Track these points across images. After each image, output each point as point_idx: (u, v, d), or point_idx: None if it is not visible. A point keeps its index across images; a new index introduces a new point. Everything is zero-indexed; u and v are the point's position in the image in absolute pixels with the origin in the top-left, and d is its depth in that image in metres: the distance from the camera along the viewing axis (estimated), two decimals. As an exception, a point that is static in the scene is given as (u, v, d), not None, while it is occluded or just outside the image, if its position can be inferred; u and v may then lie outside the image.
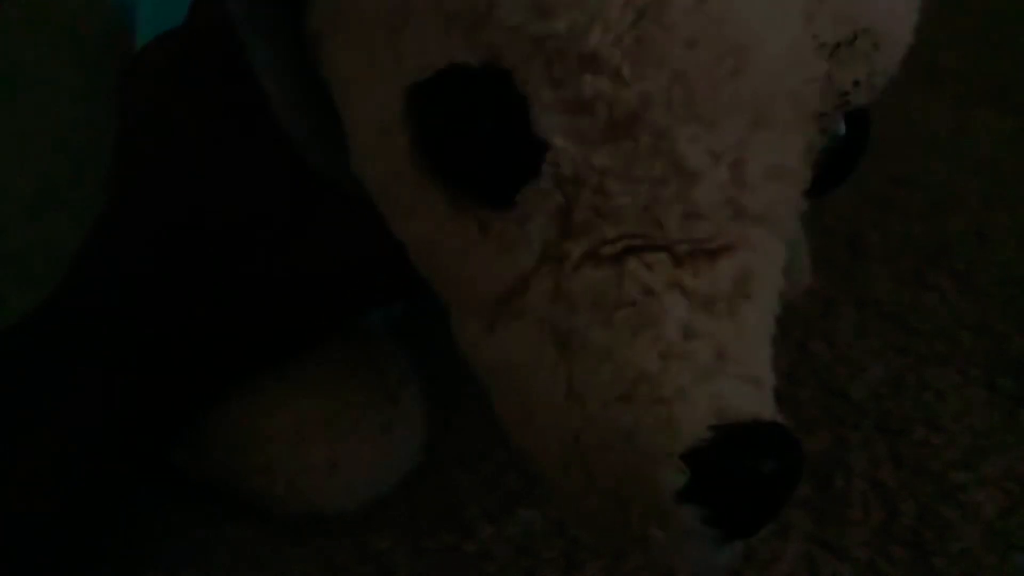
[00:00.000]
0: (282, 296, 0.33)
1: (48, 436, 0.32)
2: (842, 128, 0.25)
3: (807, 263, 0.44)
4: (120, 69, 0.36)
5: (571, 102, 0.22)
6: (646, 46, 0.21)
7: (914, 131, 0.57)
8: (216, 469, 0.36)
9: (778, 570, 0.35)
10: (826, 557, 0.35)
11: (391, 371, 0.37)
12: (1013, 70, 0.62)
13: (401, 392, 0.36)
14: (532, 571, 0.35)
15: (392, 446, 0.36)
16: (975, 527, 0.36)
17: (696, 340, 0.22)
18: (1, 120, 0.61)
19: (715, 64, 0.22)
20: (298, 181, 0.31)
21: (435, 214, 0.25)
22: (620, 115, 0.22)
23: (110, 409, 0.32)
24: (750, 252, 0.24)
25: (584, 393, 0.23)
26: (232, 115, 0.31)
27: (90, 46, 0.67)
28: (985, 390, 0.41)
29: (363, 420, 0.35)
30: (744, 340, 0.23)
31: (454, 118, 0.23)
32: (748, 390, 0.23)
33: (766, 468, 0.22)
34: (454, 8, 0.22)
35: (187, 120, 0.32)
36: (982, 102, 0.59)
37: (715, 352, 0.23)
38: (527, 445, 0.25)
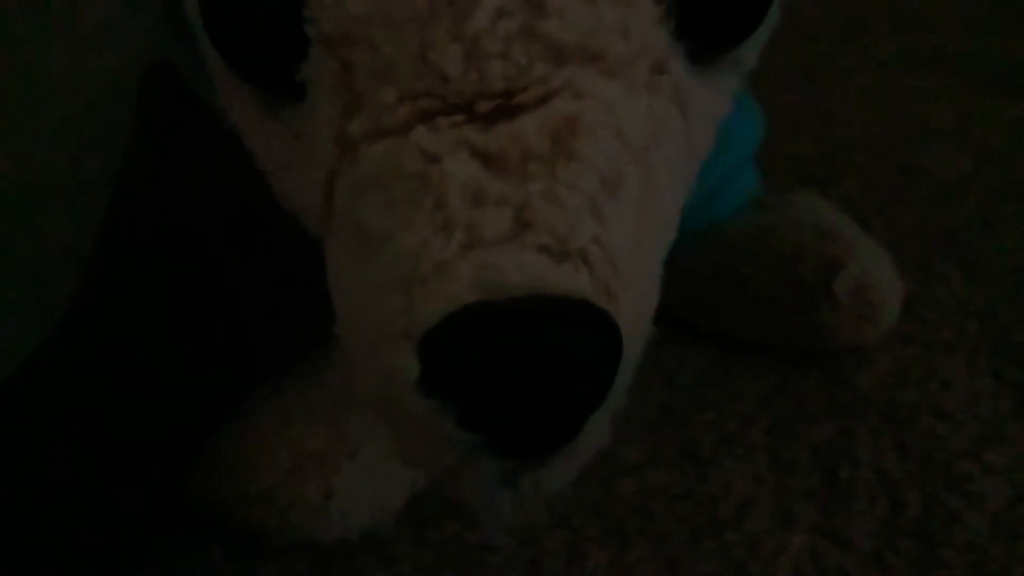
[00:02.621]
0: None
1: (61, 481, 0.32)
2: None
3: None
4: (143, 73, 0.35)
5: None
6: None
7: (920, 119, 0.56)
8: (213, 498, 0.35)
9: (783, 562, 0.34)
10: (831, 548, 0.35)
11: None
12: (1019, 55, 0.62)
13: None
14: (535, 562, 0.35)
15: (389, 477, 0.35)
16: (981, 517, 0.36)
17: (485, 207, 0.19)
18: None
19: None
20: None
21: (250, 117, 0.23)
22: None
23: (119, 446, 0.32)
24: (575, 101, 0.20)
25: (373, 287, 0.20)
26: None
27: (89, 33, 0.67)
28: (992, 379, 0.41)
29: (359, 451, 0.34)
30: (560, 206, 0.19)
31: (216, 1, 0.21)
32: (544, 261, 0.18)
33: (521, 349, 0.18)
34: None
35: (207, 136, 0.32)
36: (988, 88, 0.59)
37: (512, 219, 0.19)
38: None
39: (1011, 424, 0.39)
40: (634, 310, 0.19)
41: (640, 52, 0.20)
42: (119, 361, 0.33)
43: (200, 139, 0.30)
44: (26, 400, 0.33)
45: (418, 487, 0.35)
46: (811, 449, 0.38)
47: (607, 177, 0.20)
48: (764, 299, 0.40)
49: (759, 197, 0.43)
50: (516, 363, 0.18)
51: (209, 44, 0.22)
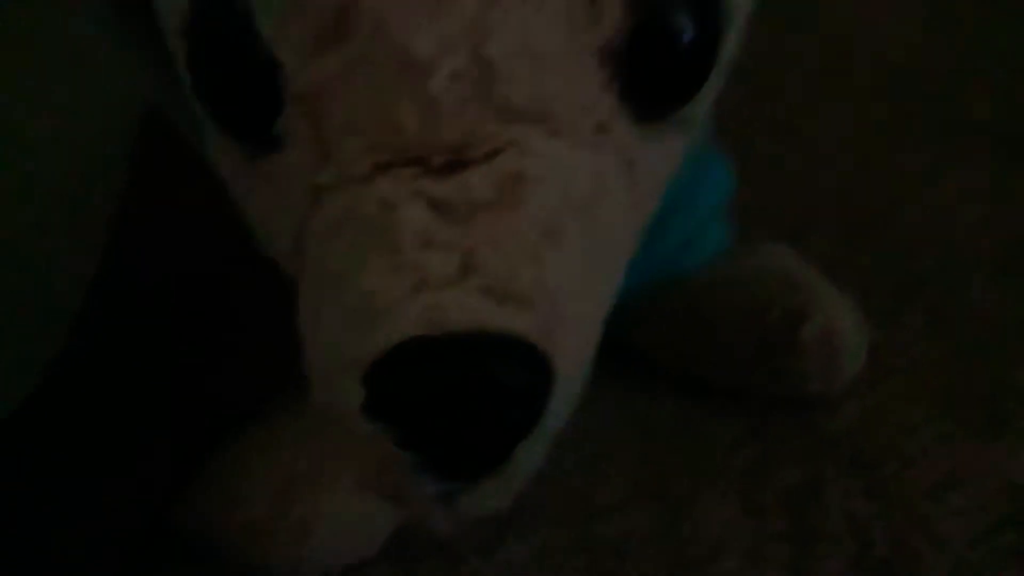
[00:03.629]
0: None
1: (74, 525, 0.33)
2: (675, 18, 0.22)
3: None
4: (139, 120, 0.37)
5: (284, 7, 0.21)
6: None
7: (887, 174, 0.58)
8: (201, 528, 0.36)
9: (755, 600, 0.36)
10: (802, 587, 0.36)
11: None
12: (982, 117, 0.64)
13: None
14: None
15: (372, 509, 0.35)
16: (945, 557, 0.37)
17: (435, 251, 0.20)
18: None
19: None
20: None
21: (233, 166, 0.24)
22: (332, 11, 0.20)
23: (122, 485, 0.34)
24: (522, 157, 0.21)
25: (331, 322, 0.21)
26: None
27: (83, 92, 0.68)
28: (954, 425, 0.42)
29: (341, 482, 0.34)
30: (503, 252, 0.21)
31: (198, 54, 0.23)
32: (486, 302, 0.20)
33: (455, 378, 0.20)
34: None
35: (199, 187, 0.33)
36: (953, 145, 0.61)
37: (459, 263, 0.20)
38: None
39: (973, 467, 0.40)
40: (572, 349, 0.21)
41: (584, 113, 0.22)
42: (110, 402, 0.34)
43: (192, 187, 0.32)
44: (19, 442, 0.34)
45: (402, 520, 0.36)
46: (782, 492, 0.39)
47: (549, 227, 0.21)
48: (735, 347, 0.41)
49: (729, 249, 0.44)
50: (451, 390, 0.20)
51: (195, 98, 0.24)
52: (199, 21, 0.22)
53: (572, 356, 0.21)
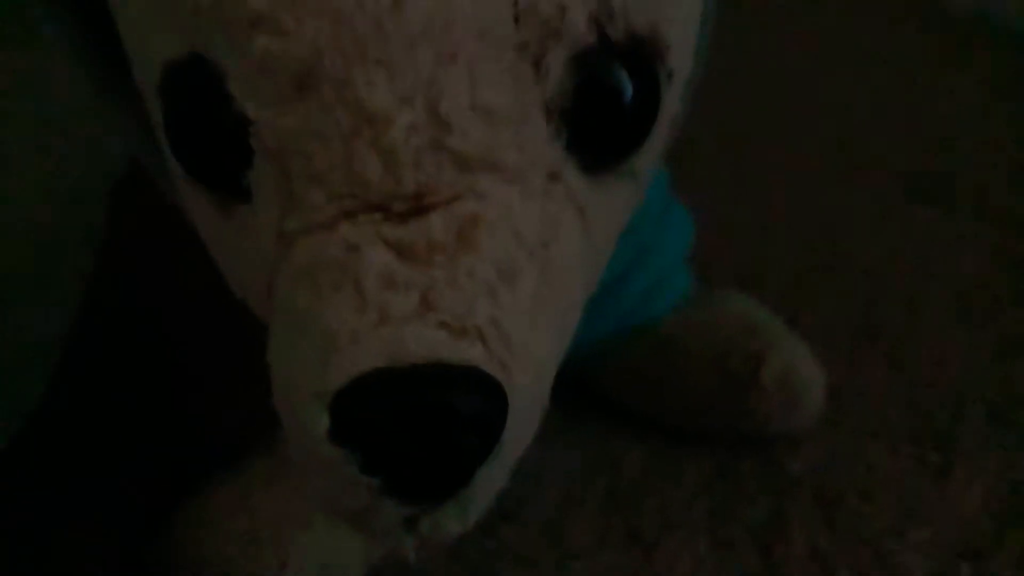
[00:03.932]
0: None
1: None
2: (614, 78, 0.24)
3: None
4: (118, 177, 0.38)
5: (252, 68, 0.22)
6: None
7: (843, 222, 0.61)
8: (177, 568, 0.36)
9: (723, 634, 0.37)
10: (768, 621, 0.37)
11: None
12: (930, 167, 0.67)
13: None
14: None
15: (344, 548, 0.36)
16: (906, 590, 0.39)
17: (396, 290, 0.21)
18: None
19: (372, 1, 0.21)
20: None
21: (205, 215, 0.25)
22: (296, 70, 0.22)
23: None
24: (476, 202, 0.22)
25: (299, 358, 0.22)
26: None
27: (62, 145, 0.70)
28: (914, 462, 0.44)
29: (314, 521, 0.35)
30: (460, 290, 0.22)
31: (173, 112, 0.24)
32: (443, 336, 0.21)
33: (414, 405, 0.21)
34: (157, 4, 0.23)
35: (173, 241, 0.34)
36: (903, 194, 0.64)
37: (418, 301, 0.21)
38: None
39: (932, 504, 0.42)
40: (527, 380, 0.22)
41: (534, 163, 0.23)
42: (87, 448, 0.35)
43: (166, 238, 0.33)
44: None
45: (375, 559, 0.37)
46: (748, 529, 0.41)
47: (504, 268, 0.23)
48: (699, 390, 0.43)
49: (692, 296, 0.46)
50: (410, 417, 0.21)
51: (169, 151, 0.25)
52: (173, 82, 0.24)
53: (526, 386, 0.22)
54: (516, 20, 0.22)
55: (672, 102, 0.26)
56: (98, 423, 0.36)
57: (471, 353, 0.21)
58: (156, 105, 0.25)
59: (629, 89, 0.24)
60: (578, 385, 0.46)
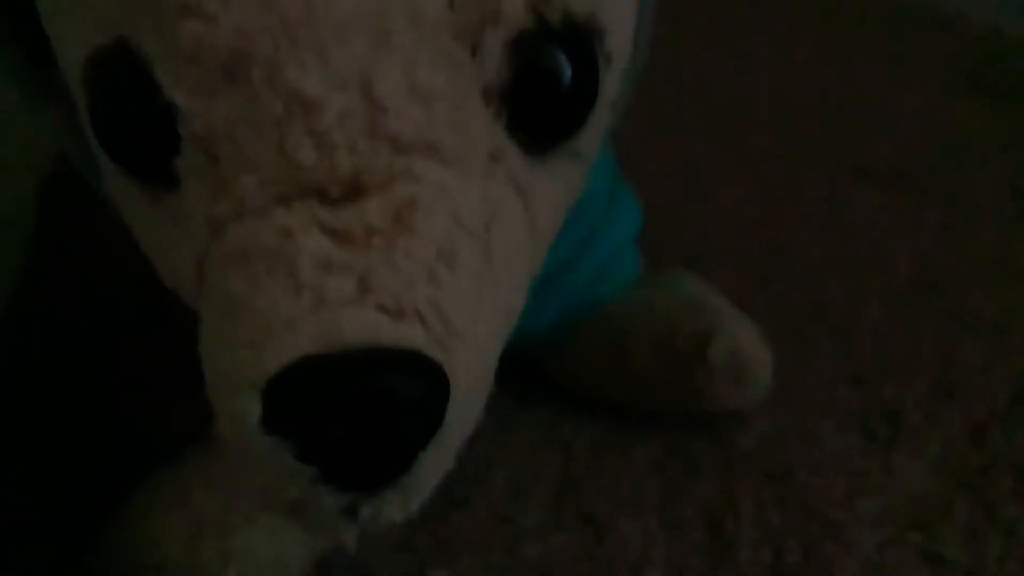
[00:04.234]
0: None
1: None
2: (553, 61, 0.24)
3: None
4: (45, 175, 0.37)
5: (180, 55, 0.22)
6: None
7: (791, 205, 0.61)
8: (116, 570, 0.35)
9: (676, 611, 0.37)
10: (720, 597, 0.37)
11: None
12: (883, 152, 0.68)
13: None
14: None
15: (289, 541, 0.35)
16: (855, 562, 0.39)
17: (332, 274, 0.21)
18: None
19: None
20: None
21: (133, 205, 0.25)
22: (225, 57, 0.21)
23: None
24: (413, 184, 0.22)
25: (231, 344, 0.22)
26: None
27: None
28: (861, 437, 0.45)
29: (257, 516, 0.34)
30: (398, 272, 0.21)
31: (99, 100, 0.23)
32: (382, 319, 0.21)
33: (350, 390, 0.20)
34: None
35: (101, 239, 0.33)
36: (853, 179, 0.64)
37: (356, 285, 0.21)
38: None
39: (879, 477, 0.43)
40: (468, 362, 0.22)
41: (473, 145, 0.23)
42: (24, 447, 0.35)
43: (96, 234, 0.32)
44: None
45: (322, 550, 0.36)
46: (699, 506, 0.41)
47: (443, 249, 0.22)
48: (648, 371, 0.43)
49: (640, 278, 0.46)
50: (346, 402, 0.20)
51: (96, 141, 0.24)
52: (99, 71, 0.23)
53: (468, 369, 0.22)
54: (451, 4, 0.22)
55: (611, 85, 0.26)
56: (30, 426, 0.35)
57: (410, 335, 0.21)
58: (82, 94, 0.24)
59: (568, 72, 0.24)
60: (527, 369, 0.45)
